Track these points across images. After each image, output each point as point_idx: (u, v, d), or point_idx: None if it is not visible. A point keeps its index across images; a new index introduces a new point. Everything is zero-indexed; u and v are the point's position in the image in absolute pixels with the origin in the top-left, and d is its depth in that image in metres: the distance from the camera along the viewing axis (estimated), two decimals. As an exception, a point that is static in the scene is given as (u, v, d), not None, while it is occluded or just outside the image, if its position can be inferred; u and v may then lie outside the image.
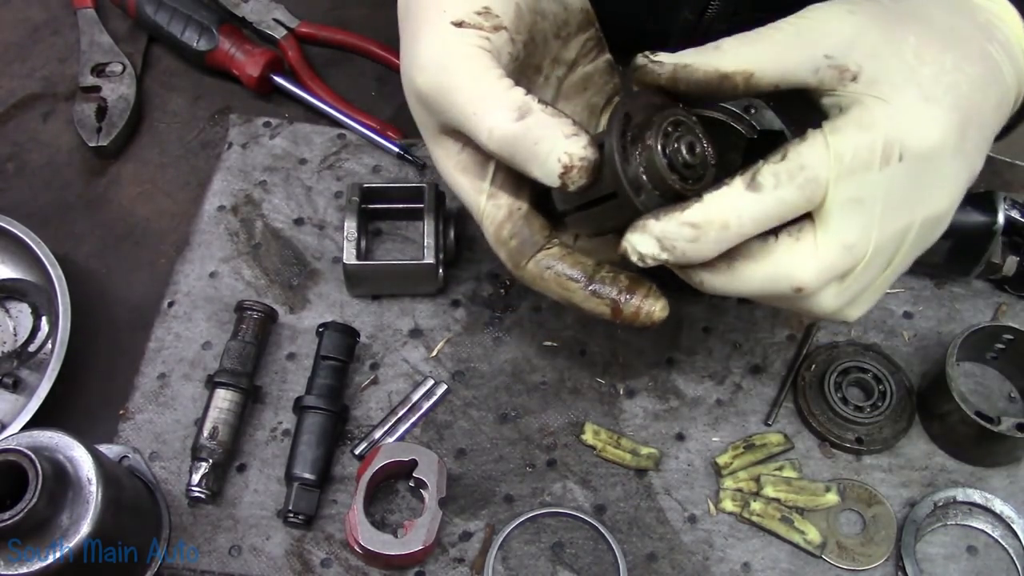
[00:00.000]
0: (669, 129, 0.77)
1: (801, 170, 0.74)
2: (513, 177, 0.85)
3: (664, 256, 0.77)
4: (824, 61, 0.77)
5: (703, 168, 0.78)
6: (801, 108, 0.82)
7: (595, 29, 0.93)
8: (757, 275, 0.78)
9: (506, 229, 0.86)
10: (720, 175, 0.78)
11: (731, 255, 0.78)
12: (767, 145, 0.81)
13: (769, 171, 0.75)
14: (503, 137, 0.78)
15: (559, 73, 0.93)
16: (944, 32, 0.80)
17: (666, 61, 0.79)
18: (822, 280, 0.77)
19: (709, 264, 0.78)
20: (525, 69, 0.89)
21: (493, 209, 0.86)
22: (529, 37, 0.87)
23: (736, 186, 0.75)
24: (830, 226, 0.76)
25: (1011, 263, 1.06)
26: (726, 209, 0.75)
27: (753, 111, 0.89)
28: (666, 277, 0.83)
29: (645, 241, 0.76)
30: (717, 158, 0.80)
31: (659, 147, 0.76)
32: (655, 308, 0.84)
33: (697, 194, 0.75)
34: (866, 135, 0.75)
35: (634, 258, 0.78)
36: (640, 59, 0.80)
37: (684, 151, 0.76)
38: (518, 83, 0.81)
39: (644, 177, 0.76)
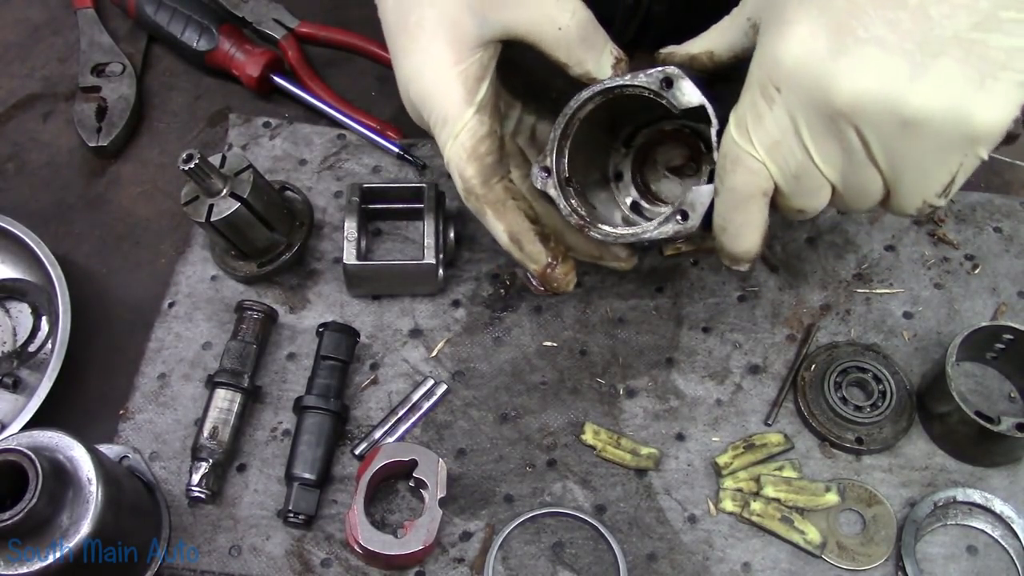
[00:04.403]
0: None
1: (725, 158, 0.86)
2: (497, 104, 0.96)
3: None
4: (747, 24, 0.89)
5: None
6: None
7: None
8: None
9: (485, 145, 0.94)
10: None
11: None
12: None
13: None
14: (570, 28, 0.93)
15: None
16: None
17: (662, 52, 0.97)
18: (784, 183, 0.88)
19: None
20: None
21: (477, 123, 0.93)
22: None
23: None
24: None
25: None
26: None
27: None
28: None
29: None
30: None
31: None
32: (572, 280, 1.01)
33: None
34: (751, 93, 0.84)
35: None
36: (658, 52, 0.98)
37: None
38: None
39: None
